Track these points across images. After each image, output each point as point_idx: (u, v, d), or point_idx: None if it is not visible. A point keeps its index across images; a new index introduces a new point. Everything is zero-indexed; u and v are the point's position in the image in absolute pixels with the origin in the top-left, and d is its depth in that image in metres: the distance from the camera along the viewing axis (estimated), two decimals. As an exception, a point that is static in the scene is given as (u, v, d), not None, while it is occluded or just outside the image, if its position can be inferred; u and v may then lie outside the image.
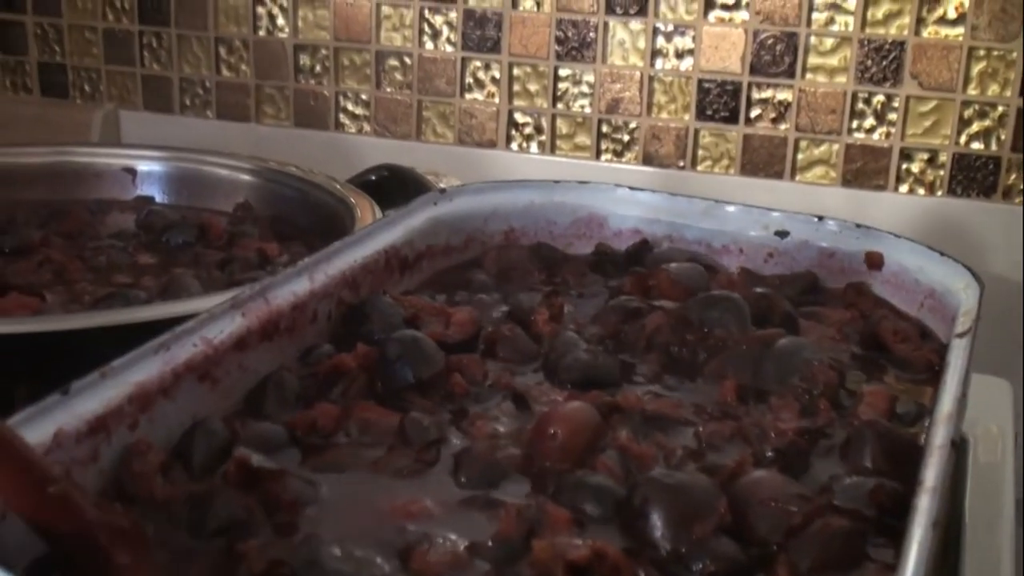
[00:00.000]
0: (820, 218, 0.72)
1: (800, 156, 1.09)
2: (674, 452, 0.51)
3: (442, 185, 0.78)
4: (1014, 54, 1.01)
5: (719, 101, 1.10)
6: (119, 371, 0.48)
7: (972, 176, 1.06)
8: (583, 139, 1.15)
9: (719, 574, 0.43)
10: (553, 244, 0.75)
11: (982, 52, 1.02)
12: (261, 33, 1.22)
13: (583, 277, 0.72)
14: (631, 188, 0.77)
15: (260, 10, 1.21)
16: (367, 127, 1.21)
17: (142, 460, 0.46)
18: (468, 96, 1.16)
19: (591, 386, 0.56)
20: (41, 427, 0.43)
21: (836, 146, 1.08)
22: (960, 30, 1.02)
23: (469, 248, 0.73)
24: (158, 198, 0.97)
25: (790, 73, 1.07)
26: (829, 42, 1.06)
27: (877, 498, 0.46)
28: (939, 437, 0.45)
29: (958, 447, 0.47)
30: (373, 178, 0.92)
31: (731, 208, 0.74)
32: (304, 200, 0.88)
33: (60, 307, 0.71)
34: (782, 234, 0.73)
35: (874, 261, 0.70)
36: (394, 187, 0.92)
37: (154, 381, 0.49)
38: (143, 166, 0.98)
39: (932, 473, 0.43)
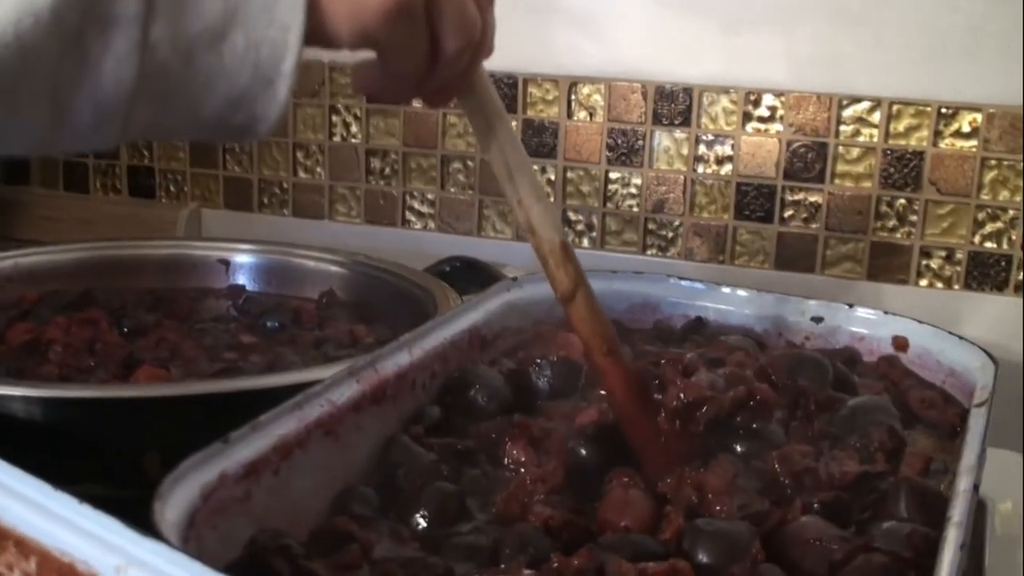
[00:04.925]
0: (851, 306, 0.79)
1: (829, 252, 1.12)
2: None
3: (513, 275, 0.86)
4: (1022, 164, 1.06)
5: (755, 202, 1.14)
6: (265, 425, 0.54)
7: (986, 272, 1.09)
8: (631, 235, 1.19)
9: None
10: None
11: (993, 162, 1.07)
12: (336, 139, 1.27)
13: (646, 347, 0.77)
14: (680, 278, 0.83)
15: (335, 118, 1.26)
16: (431, 224, 1.25)
17: None
18: (525, 196, 1.22)
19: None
20: (208, 470, 0.50)
21: (862, 244, 1.11)
22: (974, 143, 1.07)
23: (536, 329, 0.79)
24: (249, 287, 1.02)
25: (820, 178, 1.11)
26: (855, 151, 1.10)
27: (913, 541, 0.51)
28: (963, 483, 0.51)
29: (980, 503, 0.52)
30: (447, 268, 1.00)
31: (770, 297, 0.81)
32: (388, 288, 0.94)
33: (184, 378, 0.78)
34: (817, 320, 0.79)
35: (900, 344, 0.76)
36: (465, 276, 0.99)
37: (291, 434, 0.55)
38: (237, 258, 1.03)
39: (959, 510, 0.49)
